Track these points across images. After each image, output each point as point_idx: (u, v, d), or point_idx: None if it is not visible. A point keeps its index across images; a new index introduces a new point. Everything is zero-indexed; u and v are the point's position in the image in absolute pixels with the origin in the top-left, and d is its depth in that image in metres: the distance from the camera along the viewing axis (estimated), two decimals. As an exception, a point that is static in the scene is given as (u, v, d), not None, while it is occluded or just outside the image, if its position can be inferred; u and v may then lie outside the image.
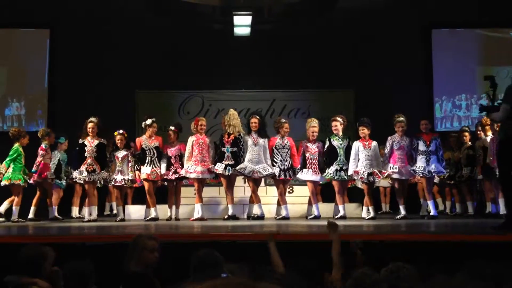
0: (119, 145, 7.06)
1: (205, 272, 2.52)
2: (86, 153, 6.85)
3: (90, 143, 6.87)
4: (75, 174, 7.05)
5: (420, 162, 6.84)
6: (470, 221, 6.44)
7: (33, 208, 7.30)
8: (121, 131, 7.09)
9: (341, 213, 6.80)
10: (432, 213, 6.83)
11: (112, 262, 3.37)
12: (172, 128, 7.23)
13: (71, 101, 9.57)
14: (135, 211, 7.54)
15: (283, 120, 7.23)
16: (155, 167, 7.05)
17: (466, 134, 7.71)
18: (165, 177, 7.08)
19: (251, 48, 9.89)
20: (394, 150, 6.85)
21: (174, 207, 7.10)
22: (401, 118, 6.86)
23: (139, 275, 2.66)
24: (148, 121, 7.19)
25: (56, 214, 7.54)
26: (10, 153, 7.08)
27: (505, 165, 4.66)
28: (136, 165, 7.19)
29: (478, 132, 7.30)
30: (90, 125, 6.87)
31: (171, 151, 7.13)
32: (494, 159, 6.81)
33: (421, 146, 6.87)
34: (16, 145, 7.15)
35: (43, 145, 7.37)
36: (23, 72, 10.30)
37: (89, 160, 6.82)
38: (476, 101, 10.30)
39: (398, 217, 6.73)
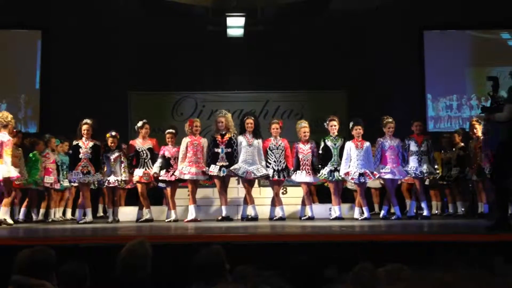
0: (111, 147, 7.03)
1: (206, 274, 2.50)
2: (81, 154, 6.80)
3: (85, 145, 6.84)
4: (69, 176, 7.02)
5: (412, 163, 6.90)
6: (462, 222, 6.48)
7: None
8: (113, 133, 7.05)
9: (337, 213, 6.83)
10: (425, 213, 6.88)
11: (105, 264, 3.35)
12: (173, 131, 7.19)
13: (63, 102, 9.53)
14: (128, 213, 7.51)
15: (273, 121, 7.28)
16: (148, 169, 7.02)
17: (455, 135, 7.81)
18: (164, 178, 7.02)
19: (244, 49, 9.91)
20: (384, 151, 6.90)
21: (170, 208, 7.08)
22: (390, 120, 6.93)
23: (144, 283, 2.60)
24: (139, 123, 7.18)
25: (53, 216, 7.75)
26: (28, 160, 7.43)
27: (505, 167, 4.68)
28: (129, 168, 7.15)
29: (474, 131, 7.30)
30: (85, 127, 6.82)
31: (171, 152, 7.09)
32: (485, 160, 6.87)
33: (413, 147, 6.93)
34: (33, 152, 7.52)
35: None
36: (14, 73, 10.23)
37: (83, 162, 6.79)
38: (467, 101, 10.40)
39: (393, 217, 6.77)
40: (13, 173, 6.33)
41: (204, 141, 7.05)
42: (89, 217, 6.80)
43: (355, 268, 2.32)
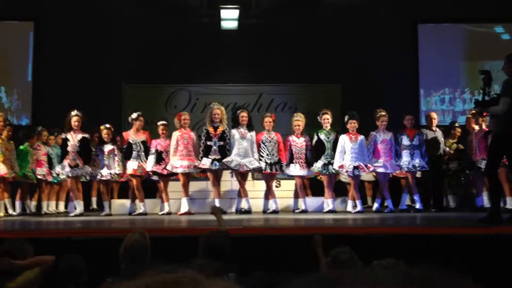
0: (105, 139, 6.98)
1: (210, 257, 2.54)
2: (69, 147, 6.75)
3: (73, 137, 6.78)
4: (58, 169, 6.98)
5: (405, 157, 6.93)
6: (455, 215, 6.52)
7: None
8: (107, 126, 7.02)
9: (330, 207, 6.85)
10: (417, 206, 6.91)
11: (99, 257, 3.34)
12: (166, 122, 7.16)
13: (56, 94, 9.44)
14: (121, 206, 7.49)
15: (266, 114, 7.29)
16: (142, 161, 6.99)
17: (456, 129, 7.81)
18: (155, 170, 6.99)
19: (238, 42, 9.86)
20: (377, 144, 6.92)
21: (163, 201, 7.06)
22: (383, 113, 6.95)
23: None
24: (134, 115, 7.12)
25: (46, 209, 7.75)
26: (18, 153, 7.32)
27: (495, 158, 4.70)
28: (123, 160, 7.12)
29: (472, 125, 7.30)
30: (74, 119, 6.75)
31: (162, 146, 7.05)
32: (477, 153, 6.91)
33: (405, 141, 6.96)
34: (24, 144, 7.44)
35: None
36: (6, 65, 10.12)
37: (72, 155, 6.73)
38: (460, 95, 10.44)
39: (386, 210, 6.80)
40: None
41: (193, 134, 7.04)
42: (79, 210, 6.75)
43: (333, 251, 2.36)
